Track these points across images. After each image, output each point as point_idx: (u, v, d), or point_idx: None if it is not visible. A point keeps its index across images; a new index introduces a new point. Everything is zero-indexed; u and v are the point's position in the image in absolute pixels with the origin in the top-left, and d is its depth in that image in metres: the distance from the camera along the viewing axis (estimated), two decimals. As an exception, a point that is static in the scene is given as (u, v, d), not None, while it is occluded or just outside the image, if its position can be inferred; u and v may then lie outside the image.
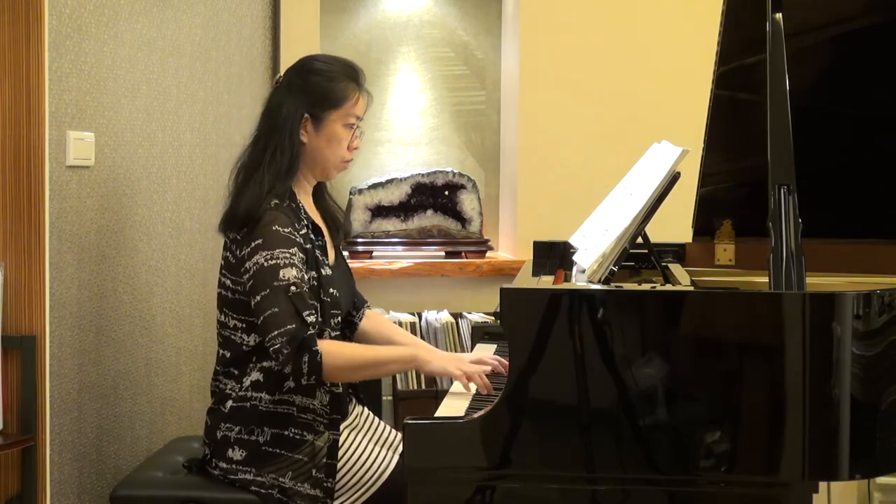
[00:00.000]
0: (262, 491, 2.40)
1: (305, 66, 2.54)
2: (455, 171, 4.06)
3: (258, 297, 2.36)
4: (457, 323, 3.78)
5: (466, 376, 2.43)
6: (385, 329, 2.75)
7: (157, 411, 3.13)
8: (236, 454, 2.43)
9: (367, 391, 2.74)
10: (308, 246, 2.45)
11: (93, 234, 2.74)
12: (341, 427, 2.46)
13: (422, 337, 3.73)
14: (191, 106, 3.27)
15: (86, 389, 2.74)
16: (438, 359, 2.48)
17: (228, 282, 2.47)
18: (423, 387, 3.67)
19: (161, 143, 3.09)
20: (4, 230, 2.52)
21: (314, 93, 2.50)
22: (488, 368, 2.49)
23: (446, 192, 4.03)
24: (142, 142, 2.99)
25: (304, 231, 2.45)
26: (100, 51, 2.75)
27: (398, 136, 4.25)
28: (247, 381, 2.44)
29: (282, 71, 2.64)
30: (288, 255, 2.37)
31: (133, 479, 2.56)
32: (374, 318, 2.76)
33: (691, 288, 2.39)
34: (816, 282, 2.62)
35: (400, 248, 4.03)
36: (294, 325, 2.32)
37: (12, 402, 2.53)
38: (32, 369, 2.51)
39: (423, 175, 4.04)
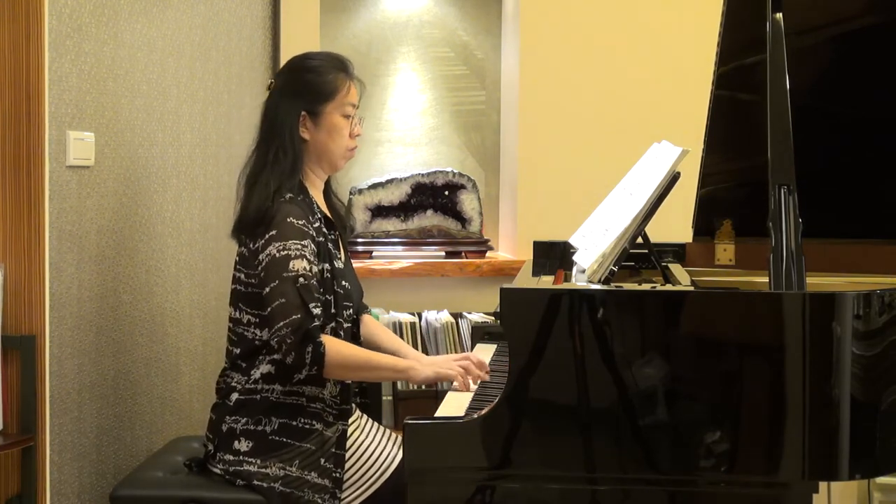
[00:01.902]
0: (265, 485, 2.40)
1: (295, 66, 2.60)
2: (455, 171, 4.06)
3: (267, 288, 2.40)
4: (457, 323, 3.77)
5: (463, 369, 2.47)
6: (372, 332, 2.78)
7: (157, 411, 3.13)
8: (242, 445, 2.44)
9: (369, 393, 2.75)
10: (321, 239, 2.49)
11: (93, 234, 2.74)
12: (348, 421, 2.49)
13: (421, 337, 3.73)
14: (191, 106, 3.27)
15: (86, 389, 2.74)
16: (429, 367, 2.51)
17: (242, 276, 2.50)
18: (423, 387, 3.67)
19: (161, 143, 3.09)
20: (4, 230, 2.52)
21: (307, 90, 2.54)
22: (477, 371, 2.50)
23: (446, 192, 4.03)
24: (142, 142, 2.99)
25: (317, 224, 2.49)
26: (100, 51, 2.75)
27: (398, 136, 4.24)
28: (255, 374, 2.47)
29: (279, 73, 2.67)
30: (299, 246, 2.40)
31: (133, 479, 2.56)
32: (368, 325, 2.77)
33: (691, 288, 2.39)
34: (816, 282, 2.62)
35: (400, 248, 4.03)
36: (299, 316, 2.35)
37: (12, 402, 2.53)
38: (32, 369, 2.51)
39: (423, 175, 4.04)
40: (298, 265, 2.39)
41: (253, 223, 2.47)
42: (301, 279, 2.38)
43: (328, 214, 2.60)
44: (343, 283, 2.52)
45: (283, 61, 3.75)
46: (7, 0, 2.48)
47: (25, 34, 2.48)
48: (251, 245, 2.48)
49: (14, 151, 2.51)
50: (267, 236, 2.43)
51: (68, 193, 2.63)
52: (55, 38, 2.54)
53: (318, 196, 2.60)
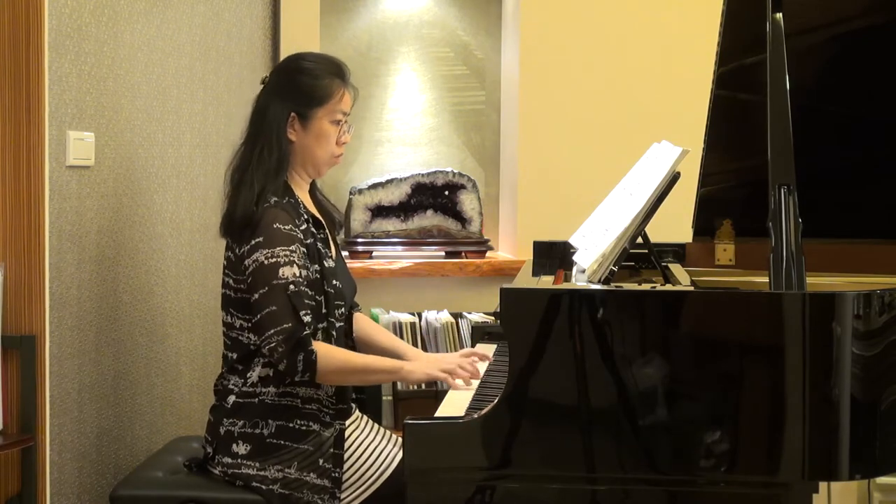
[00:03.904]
0: (264, 487, 2.40)
1: (290, 66, 2.59)
2: (455, 171, 4.06)
3: (257, 295, 2.39)
4: (457, 323, 3.77)
5: (448, 372, 2.45)
6: (368, 331, 2.77)
7: (157, 411, 3.13)
8: (241, 448, 2.43)
9: (367, 391, 2.76)
10: (309, 240, 2.48)
11: (93, 234, 2.74)
12: (346, 422, 2.49)
13: (422, 337, 3.73)
14: (191, 106, 3.27)
15: (86, 389, 2.74)
16: (420, 368, 2.48)
17: (231, 281, 2.49)
18: (423, 387, 3.67)
19: (161, 143, 3.09)
20: (4, 230, 2.52)
21: (300, 91, 2.53)
22: (467, 362, 2.50)
23: (446, 192, 4.03)
24: (142, 142, 2.99)
25: (304, 226, 2.48)
26: (100, 51, 2.75)
27: (398, 136, 4.24)
28: (252, 377, 2.46)
29: (276, 71, 2.67)
30: (288, 252, 2.39)
31: (133, 479, 2.56)
32: (359, 322, 2.77)
33: (691, 288, 2.39)
34: (816, 282, 2.62)
35: (400, 248, 4.03)
36: (291, 324, 2.34)
37: (12, 402, 2.53)
38: (32, 369, 2.51)
39: (423, 175, 4.04)
40: (288, 272, 2.38)
41: (238, 226, 2.45)
42: (291, 286, 2.37)
43: (315, 214, 2.59)
44: (334, 282, 2.50)
45: (282, 61, 3.76)
46: (7, 0, 2.48)
47: (25, 34, 2.48)
48: (237, 250, 2.46)
49: (14, 151, 2.51)
50: (253, 242, 2.41)
51: (68, 193, 2.63)
52: (55, 38, 2.54)
53: (304, 196, 2.58)
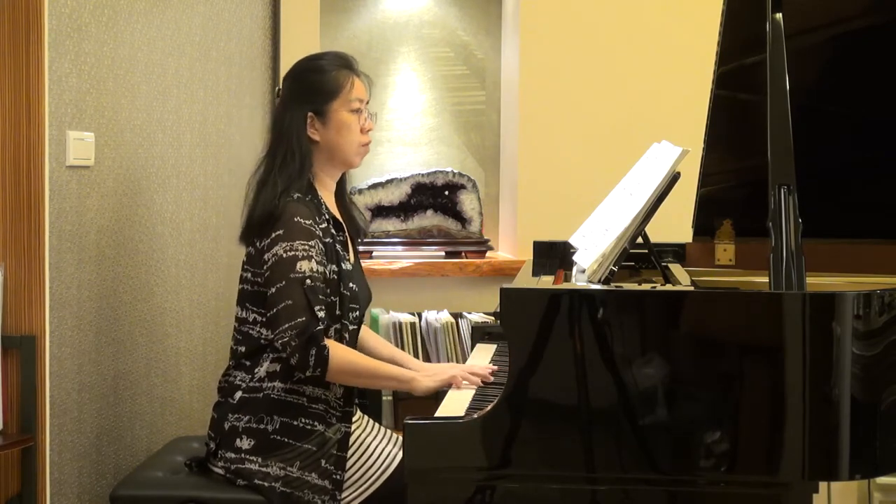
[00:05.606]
0: (266, 484, 2.41)
1: (296, 68, 2.61)
2: (455, 171, 4.06)
3: (273, 289, 2.40)
4: (457, 323, 3.77)
5: (461, 377, 2.46)
6: (369, 342, 2.76)
7: (157, 411, 3.13)
8: (244, 443, 2.44)
9: (369, 395, 2.75)
10: (328, 240, 2.49)
11: (93, 234, 2.75)
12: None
13: (421, 337, 3.73)
14: (191, 106, 3.27)
15: (86, 389, 2.74)
16: (426, 382, 2.47)
17: (249, 275, 2.50)
18: (424, 387, 3.66)
19: (161, 143, 3.09)
20: (4, 230, 2.52)
21: (310, 90, 2.54)
22: (477, 380, 2.49)
23: (446, 192, 4.03)
24: (142, 142, 2.99)
25: (324, 225, 2.49)
26: (100, 51, 2.75)
27: (398, 136, 4.24)
28: (260, 372, 2.47)
29: (282, 72, 2.68)
30: (307, 247, 2.40)
31: (133, 479, 2.56)
32: (361, 334, 2.75)
33: (691, 288, 2.39)
34: (816, 282, 2.62)
35: (400, 248, 4.03)
36: (304, 319, 2.35)
37: (12, 402, 2.53)
38: (32, 369, 2.51)
39: (423, 175, 4.04)
40: (305, 266, 2.39)
41: (259, 223, 2.46)
42: (308, 280, 2.38)
43: (337, 216, 2.59)
44: (350, 284, 2.51)
45: (283, 62, 3.76)
46: (7, 0, 2.48)
47: (25, 34, 2.48)
48: (258, 243, 2.48)
49: (14, 151, 2.51)
50: (273, 235, 2.42)
51: (68, 193, 2.63)
52: (55, 38, 2.54)
53: (327, 197, 2.59)
